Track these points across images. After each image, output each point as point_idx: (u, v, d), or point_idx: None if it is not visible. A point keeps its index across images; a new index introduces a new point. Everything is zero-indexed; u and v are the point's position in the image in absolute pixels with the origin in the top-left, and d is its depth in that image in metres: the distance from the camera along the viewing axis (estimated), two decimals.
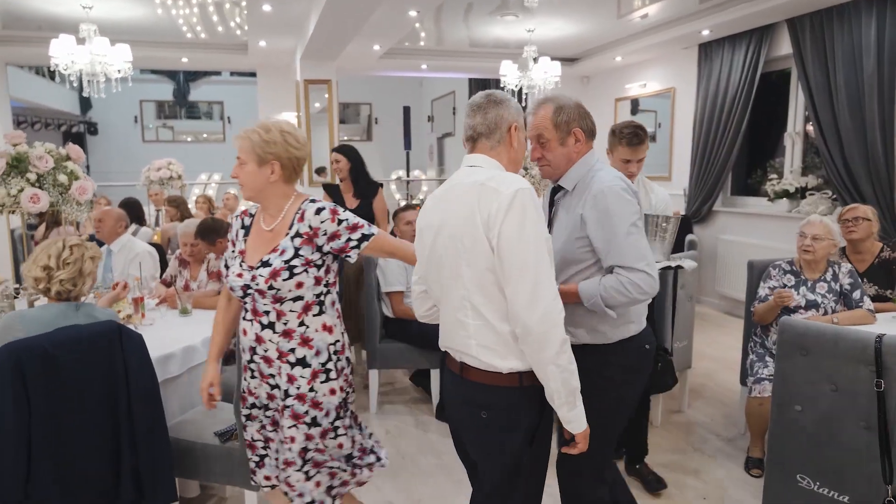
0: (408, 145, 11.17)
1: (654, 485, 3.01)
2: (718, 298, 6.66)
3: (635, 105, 8.34)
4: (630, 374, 1.94)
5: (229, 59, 7.84)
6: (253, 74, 8.58)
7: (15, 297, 3.28)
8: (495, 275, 1.53)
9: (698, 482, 3.11)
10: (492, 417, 1.60)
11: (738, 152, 6.38)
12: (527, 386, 1.58)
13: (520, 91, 6.74)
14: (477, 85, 11.11)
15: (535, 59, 6.61)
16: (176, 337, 2.94)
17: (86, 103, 14.66)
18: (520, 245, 1.49)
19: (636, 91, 8.15)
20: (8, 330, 2.13)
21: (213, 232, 3.72)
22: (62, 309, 2.26)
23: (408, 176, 10.32)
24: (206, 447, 2.55)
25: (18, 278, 4.23)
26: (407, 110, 11.28)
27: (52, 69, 5.21)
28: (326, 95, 6.82)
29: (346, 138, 13.87)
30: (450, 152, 12.87)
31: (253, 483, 2.27)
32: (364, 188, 4.36)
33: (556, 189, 2.00)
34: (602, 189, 1.81)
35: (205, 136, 16.10)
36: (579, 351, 1.66)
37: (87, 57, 5.13)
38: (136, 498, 2.32)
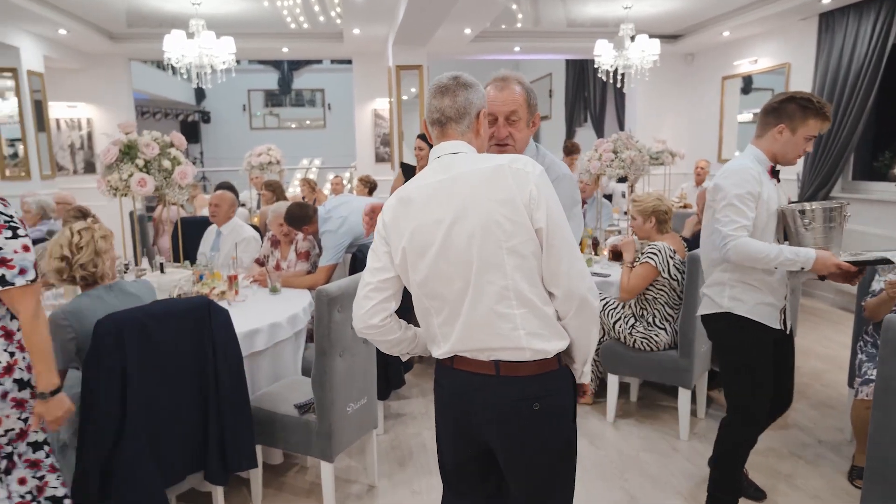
0: None
1: (753, 493, 2.81)
2: (833, 293, 6.12)
3: (748, 83, 7.78)
4: None
5: (326, 47, 8.09)
6: (350, 62, 8.82)
7: (125, 272, 3.59)
8: (536, 257, 1.50)
9: (790, 489, 2.90)
10: (544, 406, 1.56)
11: (862, 133, 5.79)
12: (564, 366, 1.61)
13: (615, 72, 6.47)
14: (574, 66, 10.81)
15: (632, 38, 6.32)
16: (264, 314, 3.11)
17: (200, 93, 15.74)
18: (562, 221, 1.51)
19: (746, 68, 7.60)
20: (58, 329, 2.21)
21: (298, 220, 3.89)
22: (96, 293, 2.36)
23: None
24: (286, 418, 2.69)
25: (143, 257, 4.64)
26: None
27: (165, 63, 5.61)
28: (417, 80, 6.89)
29: None
30: (545, 135, 12.63)
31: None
32: None
33: None
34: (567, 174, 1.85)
35: (308, 122, 16.82)
36: None
37: (196, 50, 5.49)
38: (221, 463, 2.49)
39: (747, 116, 7.80)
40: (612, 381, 3.57)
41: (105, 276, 2.41)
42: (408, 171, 4.51)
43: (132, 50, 7.97)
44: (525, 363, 1.54)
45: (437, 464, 1.81)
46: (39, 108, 6.94)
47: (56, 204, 5.49)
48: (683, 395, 3.36)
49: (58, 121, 8.16)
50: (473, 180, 1.50)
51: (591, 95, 10.40)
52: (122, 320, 2.20)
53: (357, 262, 3.49)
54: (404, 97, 7.56)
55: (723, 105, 8.09)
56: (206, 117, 16.31)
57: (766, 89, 7.50)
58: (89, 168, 8.41)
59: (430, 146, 4.66)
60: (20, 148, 6.76)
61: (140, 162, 3.27)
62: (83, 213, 4.11)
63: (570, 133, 11.17)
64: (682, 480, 3.00)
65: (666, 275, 3.32)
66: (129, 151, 3.30)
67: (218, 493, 2.61)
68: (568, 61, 10.63)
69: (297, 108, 16.94)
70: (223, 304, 3.19)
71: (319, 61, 15.64)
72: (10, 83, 6.60)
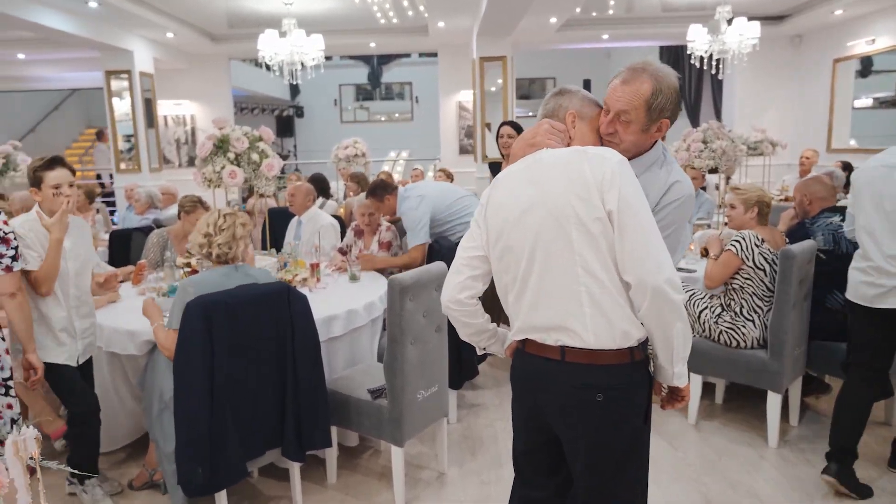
0: None
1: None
2: None
3: (866, 66, 7.14)
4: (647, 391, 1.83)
5: (412, 41, 8.21)
6: (436, 55, 8.90)
7: None
8: (605, 238, 1.49)
9: None
10: (609, 398, 1.53)
11: None
12: (638, 360, 1.56)
13: (710, 58, 6.14)
14: (668, 53, 10.36)
15: (729, 21, 5.96)
16: (342, 301, 3.22)
17: (294, 89, 16.42)
18: (640, 209, 1.49)
19: (861, 49, 6.98)
20: (183, 292, 2.48)
21: (381, 188, 4.00)
22: (224, 271, 2.59)
23: None
24: (360, 402, 2.77)
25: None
26: (587, 83, 10.89)
27: (260, 61, 5.91)
28: (502, 72, 6.84)
29: (531, 114, 13.80)
30: None
31: None
32: None
33: None
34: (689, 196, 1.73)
35: (396, 115, 17.15)
36: None
37: (288, 48, 5.74)
38: (297, 441, 2.61)
39: (866, 102, 7.16)
40: (696, 381, 3.42)
41: (236, 258, 2.66)
42: (495, 169, 4.48)
43: (231, 50, 8.44)
44: (592, 351, 1.52)
45: (510, 452, 1.85)
46: (149, 107, 7.51)
47: (162, 195, 5.92)
48: (773, 400, 3.16)
49: (165, 117, 8.79)
50: (552, 163, 1.57)
51: (685, 84, 9.93)
52: (209, 302, 2.35)
53: (433, 252, 3.53)
54: (491, 88, 7.54)
55: (833, 90, 7.48)
56: (299, 112, 17.00)
57: (889, 71, 6.85)
58: (192, 161, 9.01)
59: (520, 134, 4.56)
60: (133, 143, 7.35)
61: (231, 155, 3.46)
62: (200, 203, 4.36)
63: None
64: (767, 489, 2.83)
65: (750, 263, 3.13)
66: (221, 145, 3.50)
67: (295, 470, 2.73)
68: (661, 49, 10.20)
69: (386, 102, 17.32)
70: (305, 290, 3.33)
71: (408, 55, 15.88)
72: (125, 84, 7.19)
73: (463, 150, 8.64)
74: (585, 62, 13.02)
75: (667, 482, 2.89)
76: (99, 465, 2.99)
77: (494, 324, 1.81)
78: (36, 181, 2.59)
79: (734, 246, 3.18)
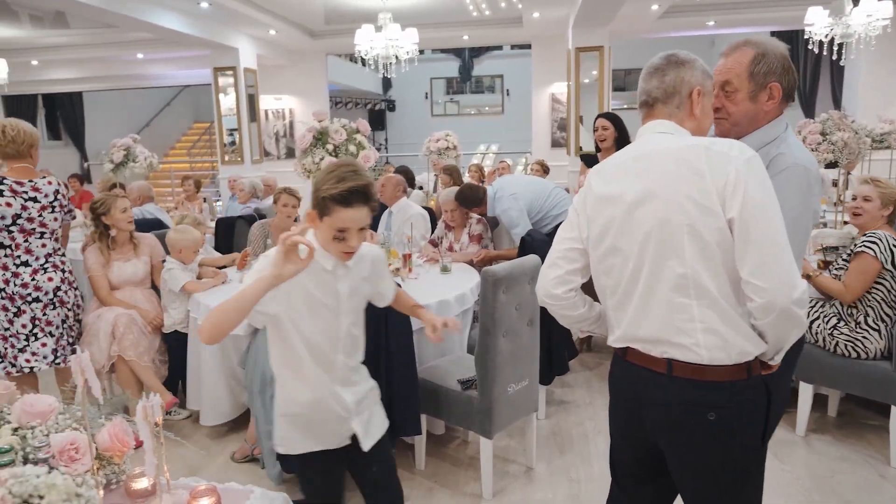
0: None
1: None
2: None
3: None
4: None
5: (505, 32, 8.14)
6: (529, 46, 8.79)
7: None
8: (722, 249, 1.34)
9: None
10: (722, 417, 1.40)
11: None
12: (755, 376, 1.41)
13: (830, 43, 5.67)
14: (780, 38, 9.66)
15: (856, 1, 5.47)
16: (434, 292, 3.24)
17: (387, 83, 16.74)
18: (769, 216, 1.30)
19: None
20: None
21: (469, 201, 3.99)
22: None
23: None
24: (450, 392, 2.78)
25: None
26: None
27: (356, 55, 6.06)
28: (598, 63, 6.65)
29: (625, 106, 13.36)
30: None
31: None
32: None
33: None
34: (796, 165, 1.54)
35: (486, 108, 17.11)
36: None
37: (383, 42, 5.84)
38: (389, 427, 2.65)
39: None
40: (806, 391, 3.18)
41: None
42: (590, 161, 4.36)
43: (328, 45, 8.71)
44: (704, 367, 1.38)
45: (602, 454, 1.77)
46: (252, 102, 7.89)
47: (263, 185, 6.21)
48: None
49: (266, 112, 9.21)
50: (664, 159, 1.41)
51: (799, 70, 9.25)
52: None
53: (525, 245, 3.48)
54: (584, 80, 7.34)
55: None
56: (391, 105, 17.33)
57: None
58: (290, 154, 9.40)
59: (614, 126, 4.39)
60: (236, 136, 7.75)
61: (330, 147, 3.57)
62: (292, 194, 4.55)
63: None
64: None
65: (889, 266, 2.85)
66: (321, 137, 3.61)
67: None
68: (773, 34, 9.55)
69: (476, 95, 17.32)
70: (397, 280, 3.38)
71: (499, 47, 15.79)
72: (230, 80, 7.59)
73: (555, 144, 8.49)
74: (689, 51, 12.40)
75: (772, 497, 2.70)
76: (204, 437, 3.19)
77: (599, 307, 1.66)
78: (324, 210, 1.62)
79: (870, 248, 2.88)
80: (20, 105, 10.57)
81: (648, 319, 1.43)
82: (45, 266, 3.11)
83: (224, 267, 3.86)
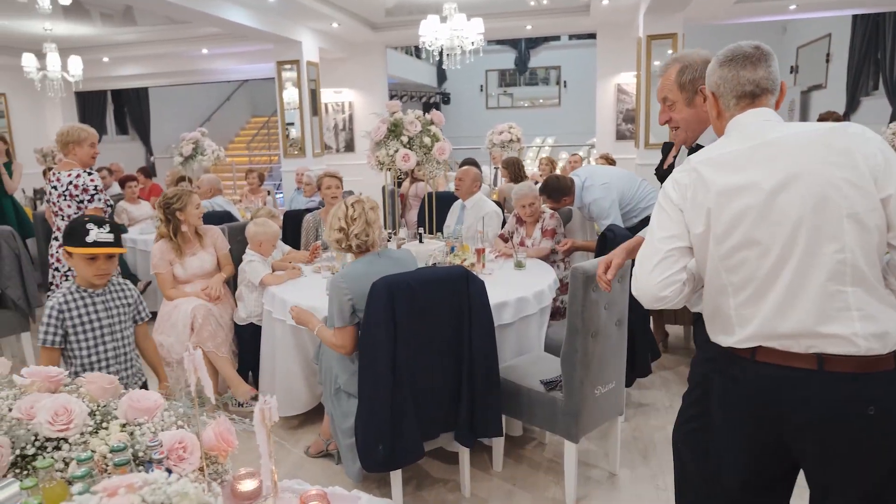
0: None
1: None
2: None
3: None
4: None
5: (571, 21, 7.93)
6: (592, 36, 8.54)
7: (387, 241, 3.91)
8: (879, 231, 1.31)
9: None
10: (882, 410, 1.31)
11: None
12: None
13: None
14: (864, 23, 9.09)
15: None
16: (511, 288, 3.15)
17: (442, 76, 16.67)
18: None
19: None
20: (337, 289, 2.49)
21: (557, 191, 3.88)
22: (369, 259, 2.59)
23: None
24: (532, 392, 2.69)
25: (392, 225, 5.06)
26: None
27: (418, 47, 5.98)
28: (670, 51, 6.37)
29: None
30: (816, 107, 10.93)
31: None
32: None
33: (694, 150, 1.88)
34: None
35: (541, 101, 16.83)
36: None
37: (448, 33, 5.75)
38: (469, 426, 2.58)
39: None
40: None
41: (375, 244, 2.64)
42: (666, 149, 4.17)
43: (389, 38, 8.68)
44: (861, 358, 1.30)
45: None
46: (314, 95, 7.93)
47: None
48: None
49: (326, 105, 9.26)
50: (801, 142, 1.37)
51: (885, 56, 8.66)
52: (393, 283, 2.37)
53: (607, 241, 3.33)
54: (651, 69, 7.06)
55: None
56: (446, 98, 17.26)
57: None
58: (349, 147, 9.43)
59: None
60: (297, 130, 7.81)
61: (404, 138, 3.50)
62: (333, 176, 4.53)
63: (853, 104, 9.44)
64: None
65: None
66: (395, 129, 3.55)
67: (464, 455, 2.72)
68: (855, 17, 9.00)
69: (530, 87, 17.06)
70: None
71: (557, 38, 15.49)
72: (293, 74, 7.64)
73: (620, 136, 8.22)
74: (757, 37, 11.82)
75: None
76: (278, 429, 3.19)
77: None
78: None
79: None
80: (91, 101, 10.96)
81: (795, 312, 1.34)
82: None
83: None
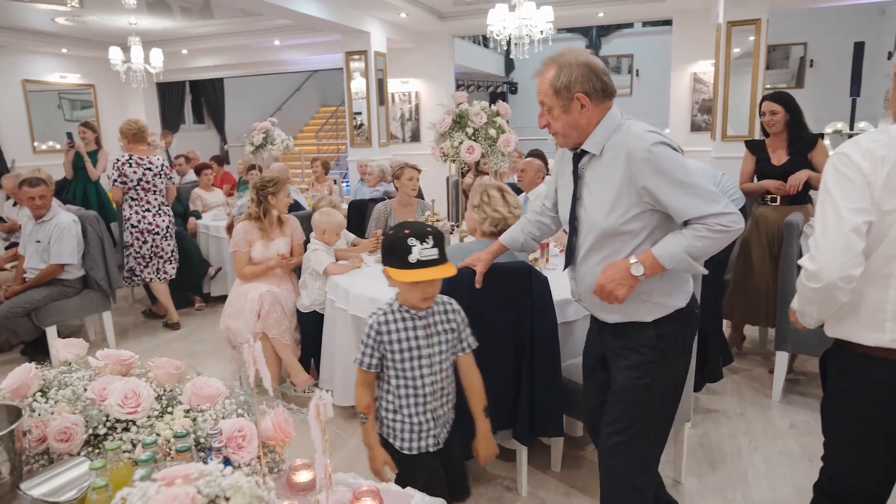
0: (855, 91, 8.91)
1: None
2: None
3: None
4: (684, 346, 1.88)
5: (645, 8, 7.63)
6: (667, 22, 8.20)
7: (450, 233, 3.89)
8: None
9: None
10: None
11: None
12: None
13: None
14: None
15: None
16: None
17: (509, 65, 16.43)
18: None
19: None
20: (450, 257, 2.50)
21: None
22: (485, 243, 2.58)
23: (851, 129, 8.40)
24: None
25: (455, 217, 5.04)
26: (859, 47, 9.01)
27: (486, 37, 5.89)
28: (752, 38, 6.02)
29: (768, 86, 12.19)
30: None
31: None
32: (801, 141, 3.67)
33: (580, 154, 1.83)
34: (644, 149, 1.68)
35: None
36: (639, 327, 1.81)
37: (516, 22, 5.63)
38: (529, 425, 2.53)
39: None
40: None
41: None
42: (757, 148, 3.89)
43: (456, 27, 8.62)
44: None
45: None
46: (381, 85, 7.98)
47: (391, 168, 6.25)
48: None
49: (393, 95, 9.31)
50: None
51: None
52: (456, 274, 2.33)
53: None
54: (731, 57, 6.70)
55: None
56: (513, 88, 17.05)
57: None
58: (415, 137, 9.46)
59: (785, 109, 3.86)
60: (364, 119, 7.89)
61: (469, 130, 3.45)
62: (413, 167, 4.53)
63: None
64: None
65: None
66: (460, 120, 3.51)
67: (522, 453, 2.67)
68: None
69: None
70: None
71: (630, 25, 14.97)
72: (361, 64, 7.71)
73: (695, 127, 7.86)
74: (852, 22, 10.98)
75: None
76: (336, 417, 3.23)
77: None
78: None
79: None
80: (171, 91, 11.45)
81: None
82: (158, 212, 4.90)
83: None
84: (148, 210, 4.83)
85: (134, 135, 4.80)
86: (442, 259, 1.76)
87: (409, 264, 1.72)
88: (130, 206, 4.81)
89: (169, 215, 4.99)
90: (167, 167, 4.97)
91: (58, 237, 4.08)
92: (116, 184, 4.75)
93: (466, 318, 1.99)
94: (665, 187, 1.66)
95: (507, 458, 2.88)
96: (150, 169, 4.81)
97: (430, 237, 1.74)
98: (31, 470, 1.45)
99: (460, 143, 3.43)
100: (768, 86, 12.12)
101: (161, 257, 4.91)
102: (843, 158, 1.44)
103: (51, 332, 4.17)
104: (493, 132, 3.46)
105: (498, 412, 2.50)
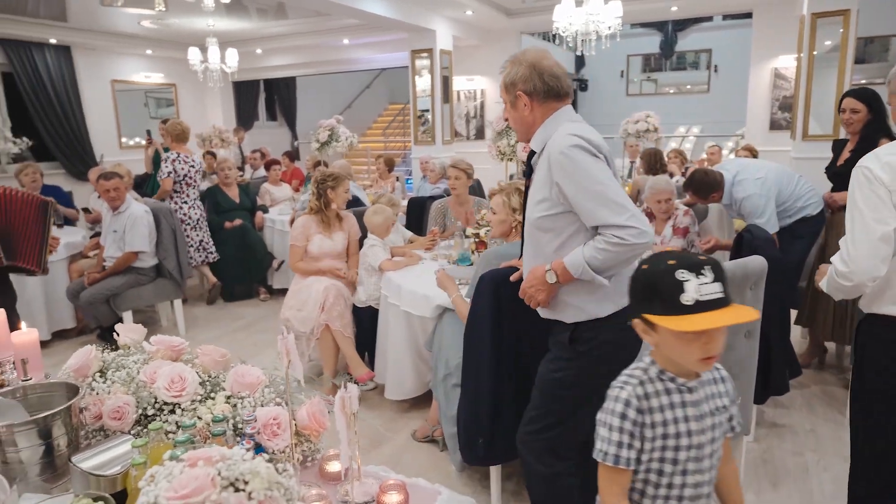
0: None
1: None
2: None
3: None
4: (618, 349, 1.82)
5: (723, 0, 7.30)
6: (748, 15, 7.81)
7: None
8: None
9: None
10: None
11: None
12: None
13: None
14: None
15: None
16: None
17: (580, 62, 16.12)
18: None
19: None
20: (486, 261, 2.52)
21: (706, 186, 3.59)
22: (520, 245, 2.52)
23: None
24: None
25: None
26: None
27: (553, 33, 5.80)
28: (841, 30, 5.62)
29: (863, 81, 11.41)
30: None
31: None
32: (866, 142, 3.41)
33: (533, 151, 1.93)
34: (560, 150, 1.72)
35: (688, 87, 15.72)
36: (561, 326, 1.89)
37: (583, 17, 5.51)
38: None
39: None
40: None
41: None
42: (836, 148, 3.66)
43: (524, 24, 8.53)
44: None
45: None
46: (446, 83, 8.00)
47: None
48: None
49: (458, 93, 9.32)
50: None
51: None
52: (499, 275, 2.31)
53: (744, 243, 3.01)
54: (817, 51, 6.29)
55: None
56: (583, 85, 16.72)
57: None
58: (479, 134, 9.44)
59: (868, 107, 3.63)
60: (429, 117, 7.94)
61: None
62: (455, 166, 4.53)
63: None
64: None
65: None
66: None
67: None
68: None
69: (676, 73, 15.97)
70: None
71: (709, 18, 14.35)
72: (426, 62, 7.76)
73: (775, 126, 7.44)
74: None
75: None
76: (388, 410, 3.27)
77: None
78: None
79: None
80: (246, 90, 11.91)
81: None
82: (193, 205, 5.43)
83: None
84: (185, 202, 5.37)
85: (178, 135, 5.38)
86: (727, 298, 1.20)
87: (683, 308, 1.18)
88: (171, 198, 5.34)
89: (200, 209, 5.51)
90: (202, 165, 5.66)
91: (131, 226, 4.33)
92: (169, 176, 5.24)
93: (736, 392, 1.40)
94: (572, 189, 1.73)
95: None
96: (192, 166, 5.37)
97: (706, 267, 1.20)
98: (89, 444, 1.54)
99: (516, 141, 3.39)
100: (863, 81, 11.35)
101: (190, 245, 5.36)
102: (866, 171, 1.64)
103: (127, 317, 4.43)
104: None
105: None
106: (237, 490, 0.97)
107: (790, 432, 3.14)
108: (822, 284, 1.82)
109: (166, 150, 6.23)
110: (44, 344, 4.48)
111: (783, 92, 7.36)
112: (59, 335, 4.72)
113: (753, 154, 6.08)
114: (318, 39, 9.45)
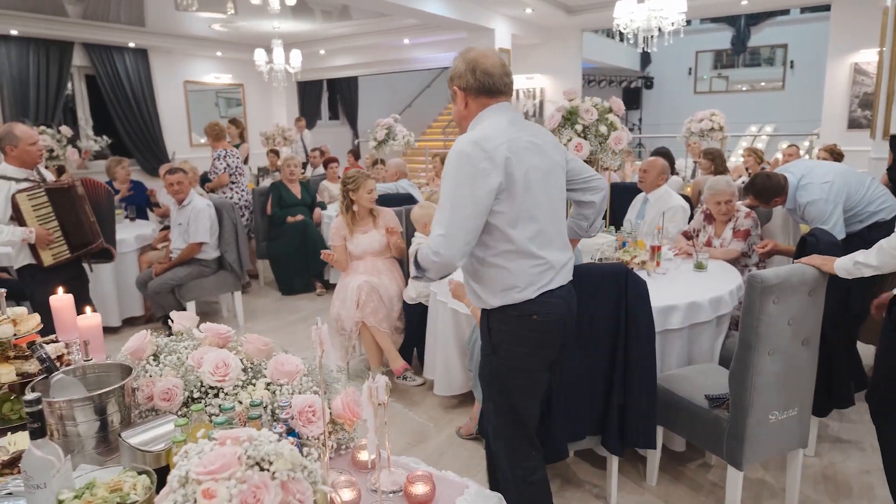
0: None
1: None
2: None
3: None
4: (513, 342, 1.90)
5: None
6: (826, 8, 7.40)
7: None
8: None
9: None
10: None
11: None
12: None
13: None
14: None
15: None
16: (684, 291, 2.88)
17: (645, 59, 15.69)
18: None
19: None
20: None
21: (767, 191, 3.40)
22: None
23: None
24: (693, 406, 2.44)
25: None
26: None
27: (614, 29, 5.68)
28: None
29: None
30: None
31: None
32: None
33: None
34: (451, 150, 1.81)
35: (762, 84, 15.01)
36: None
37: (645, 13, 5.37)
38: (619, 434, 2.42)
39: None
40: None
41: None
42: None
43: (584, 21, 8.39)
44: None
45: None
46: None
47: None
48: None
49: (517, 91, 9.27)
50: None
51: None
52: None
53: (808, 248, 2.86)
54: None
55: None
56: (648, 83, 16.28)
57: None
58: None
59: None
60: None
61: (579, 127, 3.36)
62: None
63: None
64: None
65: None
66: (570, 117, 3.42)
67: (613, 462, 2.56)
68: None
69: (749, 69, 15.27)
70: (642, 274, 3.07)
71: (785, 12, 13.66)
72: None
73: (853, 124, 7.01)
74: None
75: None
76: (435, 406, 3.28)
77: None
78: None
79: None
80: (310, 90, 12.24)
81: None
82: (240, 195, 5.99)
83: None
84: (244, 189, 6.05)
85: (217, 134, 6.09)
86: None
87: None
88: (230, 188, 5.97)
89: (243, 197, 6.13)
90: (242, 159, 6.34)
91: (195, 219, 4.55)
92: (225, 171, 5.89)
93: None
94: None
95: (599, 465, 2.79)
96: (237, 157, 6.09)
97: None
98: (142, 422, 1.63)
99: (569, 140, 3.34)
100: None
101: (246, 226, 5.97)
102: None
103: (190, 307, 4.64)
104: (603, 129, 3.34)
105: (588, 417, 2.44)
106: (262, 469, 1.01)
107: (856, 448, 2.97)
108: (872, 261, 1.98)
109: (235, 147, 6.51)
110: (114, 330, 4.77)
111: (864, 88, 6.93)
112: (129, 322, 4.99)
113: (837, 155, 5.66)
114: (379, 39, 9.61)
